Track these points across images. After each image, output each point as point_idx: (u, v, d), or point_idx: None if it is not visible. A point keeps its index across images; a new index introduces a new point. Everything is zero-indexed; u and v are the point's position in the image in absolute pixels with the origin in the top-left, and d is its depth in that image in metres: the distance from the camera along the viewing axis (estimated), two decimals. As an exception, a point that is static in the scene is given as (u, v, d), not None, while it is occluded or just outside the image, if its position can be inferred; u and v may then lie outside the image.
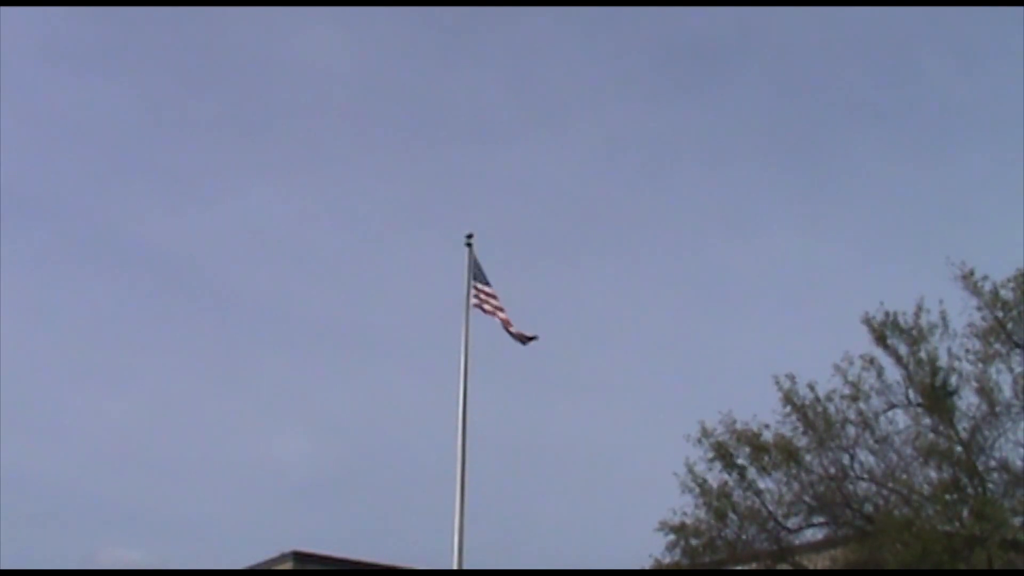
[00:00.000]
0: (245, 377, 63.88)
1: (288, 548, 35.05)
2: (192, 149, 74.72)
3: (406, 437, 55.37)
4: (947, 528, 27.85)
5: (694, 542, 30.48)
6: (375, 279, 69.17)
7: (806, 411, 30.32)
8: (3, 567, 36.89)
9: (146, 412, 61.41)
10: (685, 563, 30.54)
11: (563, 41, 73.66)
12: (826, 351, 33.50)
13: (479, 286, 28.39)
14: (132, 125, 74.25)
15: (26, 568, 37.65)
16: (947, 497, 28.16)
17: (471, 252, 28.40)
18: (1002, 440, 28.61)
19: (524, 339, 27.51)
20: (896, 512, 28.60)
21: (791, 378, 30.56)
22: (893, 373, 29.80)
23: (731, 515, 30.64)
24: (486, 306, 28.02)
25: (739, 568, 30.46)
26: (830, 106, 72.62)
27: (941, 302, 29.00)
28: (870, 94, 72.40)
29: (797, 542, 30.75)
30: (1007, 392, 28.54)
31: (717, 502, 30.57)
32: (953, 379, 29.01)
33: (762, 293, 64.40)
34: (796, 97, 73.75)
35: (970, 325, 28.81)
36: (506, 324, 27.59)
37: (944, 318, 29.17)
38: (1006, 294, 28.57)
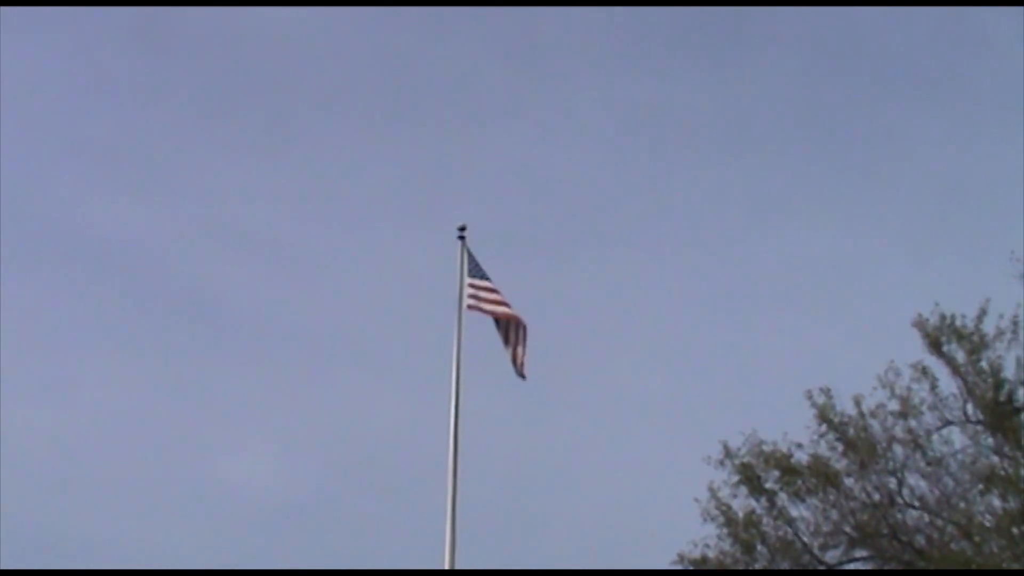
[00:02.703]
0: (203, 386, 60.31)
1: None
2: (147, 128, 70.85)
3: (391, 454, 52.58)
4: (1014, 566, 26.39)
5: (718, 578, 29.13)
6: (354, 276, 65.96)
7: (846, 429, 28.85)
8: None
9: (83, 425, 57.77)
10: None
11: (566, 9, 70.74)
12: (868, 361, 31.23)
13: (475, 282, 26.31)
14: (75, 98, 70.47)
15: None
16: (1013, 530, 26.73)
17: (464, 246, 26.45)
18: (1078, 465, 27.17)
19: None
20: (953, 546, 27.23)
21: (827, 391, 29.19)
22: (949, 385, 28.45)
23: (760, 547, 29.05)
24: (484, 305, 25.86)
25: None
26: (872, 80, 68.66)
27: (1019, 305, 27.55)
28: (921, 65, 68.77)
29: (837, 579, 29.27)
30: (1085, 409, 27.39)
31: (744, 532, 28.97)
32: (1020, 393, 27.68)
33: (792, 294, 61.26)
34: (832, 70, 69.84)
35: (1041, 330, 27.44)
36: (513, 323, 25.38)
37: (1016, 322, 27.56)
38: (1082, 294, 27.48)
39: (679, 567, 29.37)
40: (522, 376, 25.16)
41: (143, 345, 60.65)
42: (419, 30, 69.39)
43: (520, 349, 25.31)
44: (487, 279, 26.04)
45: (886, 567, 28.62)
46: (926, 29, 66.86)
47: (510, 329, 25.43)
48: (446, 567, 24.50)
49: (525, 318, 25.37)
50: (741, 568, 29.15)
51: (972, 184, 62.77)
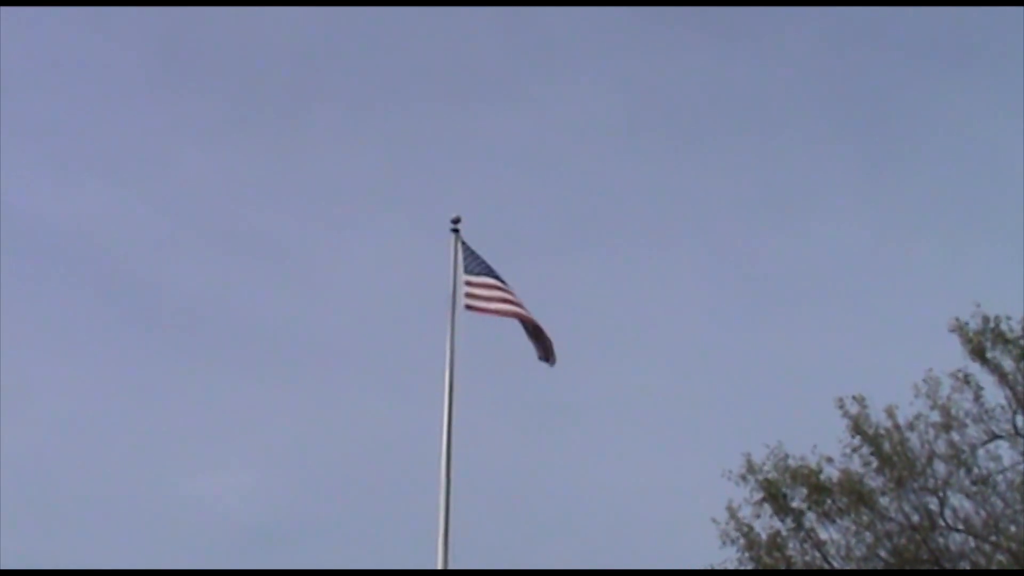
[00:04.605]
0: (170, 395, 58.18)
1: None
2: (100, 105, 68.89)
3: (377, 470, 51.23)
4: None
5: (739, 606, 28.54)
6: (340, 273, 64.53)
7: (881, 442, 28.29)
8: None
9: (37, 437, 56.23)
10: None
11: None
12: (903, 368, 31.27)
13: (472, 279, 25.05)
14: (18, 71, 69.52)
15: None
16: (1069, 556, 26.12)
17: (458, 239, 25.24)
18: None
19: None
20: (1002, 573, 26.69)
21: (860, 400, 28.65)
22: (995, 395, 27.74)
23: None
24: (489, 305, 24.56)
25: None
26: (906, 55, 66.55)
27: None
28: (964, 36, 66.59)
29: (870, 607, 28.67)
30: None
31: (768, 556, 28.39)
32: (1078, 403, 27.02)
33: (819, 293, 59.93)
34: (860, 44, 67.49)
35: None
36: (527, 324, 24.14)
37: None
38: None
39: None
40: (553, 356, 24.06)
41: (105, 349, 58.92)
42: (408, 9, 68.10)
43: (542, 341, 24.23)
44: (490, 276, 24.83)
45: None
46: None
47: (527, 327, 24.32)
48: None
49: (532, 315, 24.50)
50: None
51: (1015, 172, 61.40)
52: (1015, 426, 27.42)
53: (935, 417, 27.97)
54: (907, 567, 27.64)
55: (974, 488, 27.66)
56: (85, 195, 65.39)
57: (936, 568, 27.61)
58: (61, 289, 62.74)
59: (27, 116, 65.84)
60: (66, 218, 65.19)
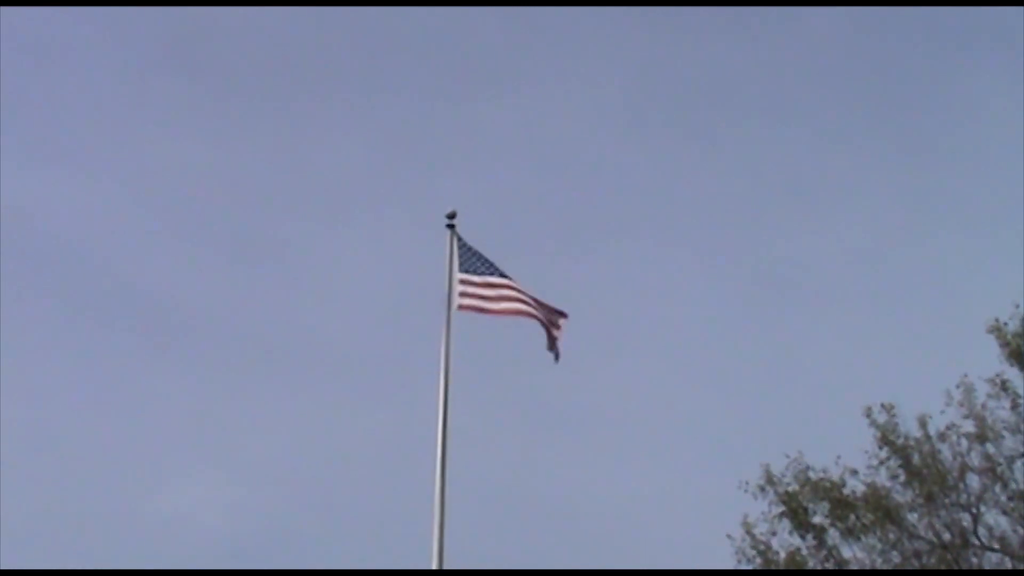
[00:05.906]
0: (136, 399, 57.29)
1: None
2: (92, 103, 68.67)
3: (366, 482, 50.86)
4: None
5: (755, 631, 28.29)
6: (328, 272, 64.02)
7: (910, 453, 28.12)
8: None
9: (10, 445, 56.04)
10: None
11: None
12: (935, 373, 31.19)
13: (467, 278, 24.57)
14: (13, 66, 68.89)
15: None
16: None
17: (454, 235, 24.89)
18: None
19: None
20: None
21: (889, 408, 28.44)
22: None
23: (805, 594, 28.05)
24: (480, 303, 24.18)
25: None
26: (945, 37, 66.24)
27: None
28: (1002, 15, 66.79)
29: (898, 632, 28.37)
30: None
31: None
32: (1124, 414, 26.78)
33: (845, 294, 59.49)
34: (895, 22, 67.43)
35: None
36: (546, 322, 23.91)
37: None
38: None
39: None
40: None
41: (67, 350, 58.25)
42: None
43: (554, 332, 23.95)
44: (488, 272, 24.35)
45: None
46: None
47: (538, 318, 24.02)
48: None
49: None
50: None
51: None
52: (1056, 437, 27.10)
53: (969, 427, 27.73)
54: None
55: (1011, 504, 27.36)
56: (76, 193, 65.52)
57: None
58: (42, 290, 62.66)
59: (18, 112, 66.28)
60: (56, 216, 65.34)
